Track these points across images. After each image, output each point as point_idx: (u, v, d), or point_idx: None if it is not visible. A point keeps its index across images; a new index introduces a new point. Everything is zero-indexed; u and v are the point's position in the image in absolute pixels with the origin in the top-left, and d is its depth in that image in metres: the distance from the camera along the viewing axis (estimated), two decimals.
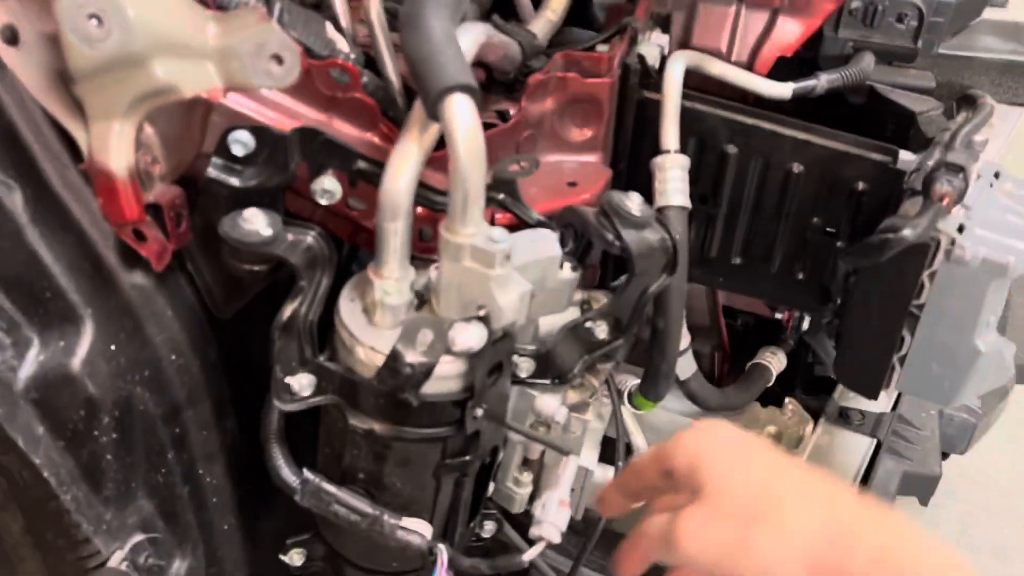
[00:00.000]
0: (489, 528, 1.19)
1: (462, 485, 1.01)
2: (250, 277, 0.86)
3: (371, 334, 0.89)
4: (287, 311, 0.86)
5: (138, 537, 0.94)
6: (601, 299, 1.05)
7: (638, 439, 1.31)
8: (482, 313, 0.88)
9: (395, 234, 0.86)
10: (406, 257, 0.89)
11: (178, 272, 0.90)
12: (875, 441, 1.36)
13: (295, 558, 1.08)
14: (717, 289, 1.40)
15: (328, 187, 0.89)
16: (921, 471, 1.37)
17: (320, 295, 0.88)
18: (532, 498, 1.27)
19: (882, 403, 1.44)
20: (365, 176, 0.91)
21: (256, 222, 0.83)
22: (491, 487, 1.14)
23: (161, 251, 0.83)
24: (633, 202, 0.94)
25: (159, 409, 0.90)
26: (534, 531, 0.93)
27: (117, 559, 0.91)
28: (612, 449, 1.27)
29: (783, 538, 0.65)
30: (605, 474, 1.19)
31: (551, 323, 1.00)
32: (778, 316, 1.48)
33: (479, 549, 1.23)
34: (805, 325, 1.44)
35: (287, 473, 0.96)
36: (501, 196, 0.97)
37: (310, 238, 0.87)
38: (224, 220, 0.82)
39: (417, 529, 0.96)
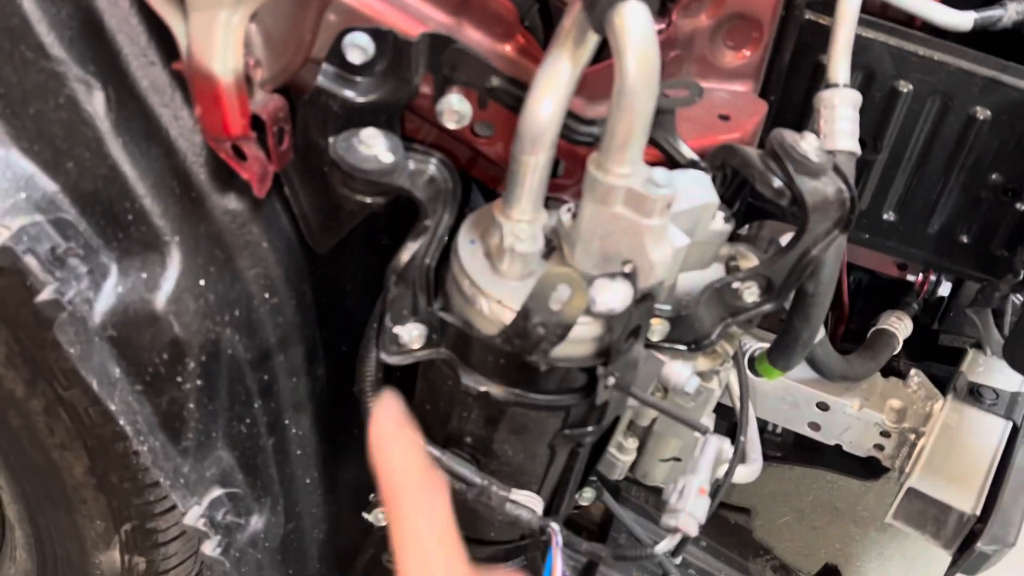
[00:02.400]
0: (588, 496, 1.08)
1: (576, 456, 0.89)
2: (357, 208, 0.73)
3: (497, 284, 0.76)
4: (406, 254, 0.73)
5: (216, 492, 0.84)
6: (748, 256, 0.91)
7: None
8: (628, 269, 0.75)
9: (534, 170, 0.72)
10: (541, 197, 0.75)
11: (275, 198, 0.78)
12: (1011, 424, 1.23)
13: (380, 516, 0.98)
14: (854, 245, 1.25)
15: (457, 107, 0.75)
16: None
17: (442, 236, 0.75)
18: (633, 465, 1.16)
19: (1017, 380, 1.30)
20: (499, 96, 0.76)
21: (375, 145, 0.70)
22: None
23: (263, 173, 0.70)
24: (809, 144, 0.79)
25: (248, 354, 0.78)
26: (669, 520, 0.81)
27: (194, 515, 0.81)
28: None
29: None
30: (721, 445, 1.07)
31: (691, 280, 0.87)
32: (910, 278, 1.33)
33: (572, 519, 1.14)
34: (943, 290, 1.29)
35: None
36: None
37: (433, 167, 0.74)
38: (336, 141, 0.69)
39: (528, 503, 0.85)
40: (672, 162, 0.83)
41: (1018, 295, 1.09)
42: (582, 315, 0.74)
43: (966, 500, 1.12)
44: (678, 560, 1.07)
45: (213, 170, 0.72)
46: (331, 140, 0.72)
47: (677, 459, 1.12)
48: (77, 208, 0.68)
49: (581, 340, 0.76)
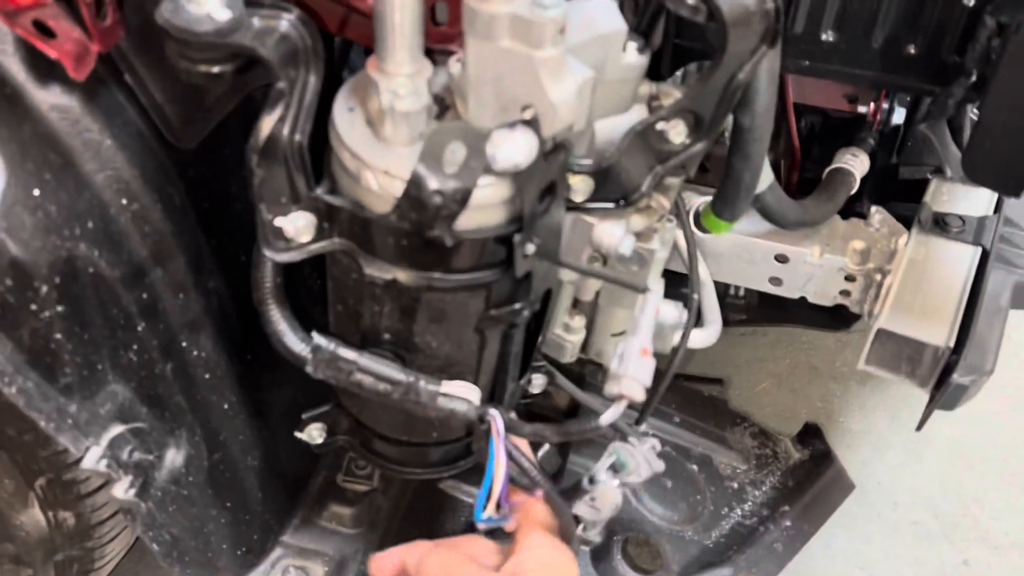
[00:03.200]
0: (539, 383, 1.01)
1: (511, 338, 0.81)
2: (212, 86, 0.63)
3: (381, 153, 0.66)
4: (265, 126, 0.63)
5: (117, 429, 0.75)
6: (673, 93, 0.81)
7: (700, 269, 1.10)
8: (528, 115, 0.65)
9: (401, 12, 0.62)
10: (418, 44, 0.65)
11: (113, 86, 0.67)
12: (980, 249, 1.16)
13: (314, 435, 0.91)
14: (786, 77, 1.16)
15: None
16: None
17: (308, 104, 0.65)
18: (584, 346, 1.09)
19: (983, 205, 1.23)
20: None
21: (207, 3, 0.59)
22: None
23: (79, 52, 0.59)
24: None
25: (116, 270, 0.69)
26: (611, 388, 0.74)
27: (93, 458, 0.73)
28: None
29: None
30: (673, 313, 1.00)
31: (611, 128, 0.77)
32: (861, 110, 1.24)
33: (528, 408, 1.07)
34: (897, 117, 1.20)
35: (292, 340, 0.76)
36: None
37: (285, 24, 0.63)
38: (163, 4, 0.58)
39: (462, 394, 0.77)
40: None
41: (974, 110, 1.01)
42: (483, 175, 0.65)
43: (938, 333, 1.06)
44: (642, 428, 1.01)
45: (26, 57, 0.61)
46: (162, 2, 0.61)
47: (622, 333, 1.04)
48: None
49: (488, 205, 0.67)
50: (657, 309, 0.80)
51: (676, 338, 1.03)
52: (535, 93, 0.64)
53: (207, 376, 0.82)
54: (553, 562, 0.75)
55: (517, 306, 0.76)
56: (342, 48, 0.92)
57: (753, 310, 1.36)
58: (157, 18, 0.58)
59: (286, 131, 0.64)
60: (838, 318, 1.28)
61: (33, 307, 0.65)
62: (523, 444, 0.79)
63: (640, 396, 0.73)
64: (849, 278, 1.17)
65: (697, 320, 1.07)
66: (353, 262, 0.72)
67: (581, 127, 0.70)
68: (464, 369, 0.81)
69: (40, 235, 0.63)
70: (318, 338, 0.76)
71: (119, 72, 0.67)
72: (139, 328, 0.73)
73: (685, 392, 1.50)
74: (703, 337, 1.06)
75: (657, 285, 1.00)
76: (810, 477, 1.40)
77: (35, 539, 0.97)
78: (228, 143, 0.79)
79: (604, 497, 0.89)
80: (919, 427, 1.10)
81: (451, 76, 0.69)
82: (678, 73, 1.12)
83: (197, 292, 0.77)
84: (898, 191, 1.31)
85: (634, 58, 0.74)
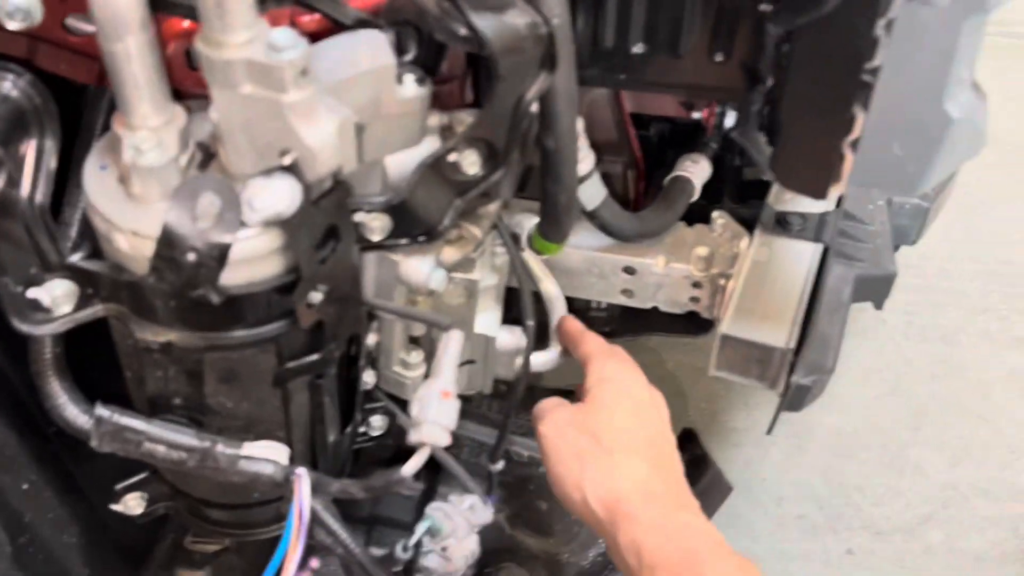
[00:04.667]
0: (379, 424, 0.97)
1: (319, 389, 0.78)
2: None
3: (131, 212, 0.62)
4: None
5: None
6: (467, 121, 0.79)
7: (549, 285, 1.08)
8: (287, 160, 0.61)
9: (130, 59, 0.57)
10: (163, 93, 0.61)
11: None
12: (821, 246, 1.17)
13: (132, 505, 0.85)
14: (620, 90, 1.15)
15: (17, 2, 0.59)
16: (875, 272, 1.19)
17: (45, 166, 0.60)
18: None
19: (824, 201, 1.24)
20: None
21: None
22: (373, 375, 0.92)
23: None
24: None
25: None
26: (413, 437, 0.71)
27: None
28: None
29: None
30: (512, 337, 0.97)
31: (403, 162, 0.74)
32: (696, 116, 1.24)
33: (378, 451, 1.03)
34: (729, 121, 1.20)
35: (73, 413, 0.71)
36: None
37: (8, 84, 0.58)
38: None
39: (267, 455, 0.73)
40: (338, 26, 0.70)
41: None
42: (243, 227, 0.61)
43: (779, 335, 1.06)
44: (499, 466, 0.98)
45: None
46: None
47: (471, 361, 1.02)
48: None
49: (257, 257, 0.64)
50: (487, 336, 0.77)
51: (518, 363, 1.01)
52: (289, 138, 0.61)
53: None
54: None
55: (315, 357, 0.73)
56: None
57: (616, 321, 1.35)
58: None
59: (22, 197, 0.59)
60: (695, 323, 1.27)
61: None
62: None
63: (445, 441, 0.70)
64: (696, 285, 1.16)
65: (546, 341, 1.05)
66: (124, 327, 0.68)
67: (353, 167, 0.67)
68: (272, 426, 0.77)
69: None
70: (100, 409, 0.71)
71: None
72: None
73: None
74: (544, 360, 1.04)
75: (492, 312, 0.97)
76: (691, 480, 1.39)
77: None
78: None
79: (455, 549, 0.87)
80: (769, 430, 1.10)
81: (213, 123, 0.65)
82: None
83: None
84: (751, 192, 1.32)
85: (412, 91, 0.71)
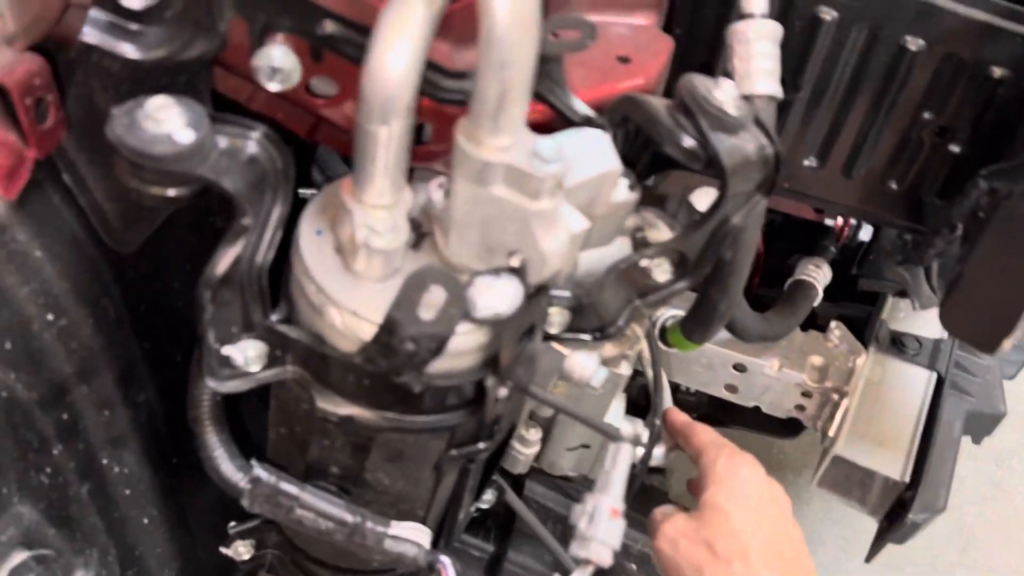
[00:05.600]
0: (488, 498, 0.95)
1: (468, 473, 0.76)
2: (157, 204, 0.56)
3: (352, 290, 0.60)
4: (223, 262, 0.57)
5: (19, 557, 0.67)
6: (658, 225, 0.77)
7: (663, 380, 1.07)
8: (515, 262, 0.60)
9: (387, 143, 0.56)
10: (402, 176, 0.59)
11: (48, 186, 0.59)
12: (935, 375, 1.15)
13: (241, 551, 0.83)
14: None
15: (280, 63, 0.57)
16: (986, 410, 1.18)
17: (273, 232, 0.58)
18: (539, 456, 1.04)
19: (939, 327, 1.23)
20: (336, 45, 0.59)
21: (167, 119, 0.52)
22: None
23: (12, 165, 0.52)
24: (726, 94, 0.65)
25: (33, 392, 0.61)
26: (579, 551, 0.69)
27: None
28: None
29: None
30: (631, 428, 0.96)
31: (593, 259, 0.73)
32: (828, 221, 1.23)
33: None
34: (864, 234, 1.19)
35: (229, 469, 0.69)
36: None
37: (253, 143, 0.56)
38: (115, 117, 0.51)
39: (412, 536, 0.71)
40: (564, 120, 0.68)
41: None
42: (463, 322, 0.59)
43: (893, 465, 1.04)
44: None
45: None
46: (113, 113, 0.53)
47: (586, 446, 1.00)
48: None
49: (463, 352, 0.62)
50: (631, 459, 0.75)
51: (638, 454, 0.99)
52: (525, 241, 0.59)
53: (128, 492, 0.74)
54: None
55: (481, 445, 0.71)
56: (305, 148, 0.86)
57: (704, 408, 1.33)
58: (108, 133, 0.51)
59: (246, 261, 0.57)
60: (788, 427, 1.26)
61: None
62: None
63: (608, 561, 0.68)
64: (806, 394, 1.15)
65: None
66: (305, 392, 0.66)
67: (568, 272, 0.65)
68: (416, 505, 0.75)
69: None
70: (258, 469, 0.68)
71: (55, 171, 0.59)
72: (55, 451, 0.65)
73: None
74: (661, 454, 1.02)
75: (619, 402, 0.96)
76: None
77: None
78: (171, 239, 0.72)
79: None
80: (868, 558, 1.08)
81: (432, 202, 0.63)
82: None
83: (124, 407, 0.69)
84: (851, 296, 1.30)
85: (624, 195, 0.69)
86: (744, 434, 1.40)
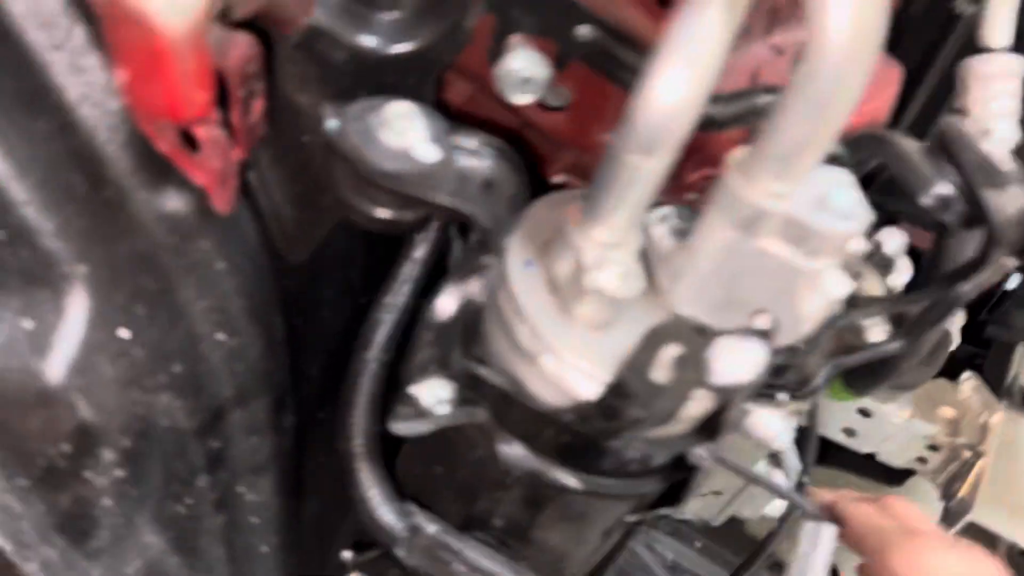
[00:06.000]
0: None
1: (632, 533, 0.68)
2: (375, 224, 0.48)
3: (569, 337, 0.52)
4: (450, 302, 0.48)
5: None
6: (869, 277, 0.69)
7: None
8: (764, 323, 0.52)
9: (645, 178, 0.48)
10: (643, 214, 0.51)
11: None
12: None
13: None
14: None
15: (529, 71, 0.48)
16: None
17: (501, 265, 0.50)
18: None
19: None
20: (591, 54, 0.50)
21: (408, 131, 0.44)
22: None
23: (226, 169, 0.43)
24: (996, 143, 0.57)
25: (192, 421, 0.53)
26: None
27: None
28: None
29: None
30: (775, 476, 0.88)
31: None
32: None
33: None
34: (1012, 283, 1.11)
35: (386, 513, 0.61)
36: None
37: (489, 163, 0.48)
38: (348, 121, 0.43)
39: None
40: None
41: None
42: (697, 387, 0.51)
43: None
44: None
45: (139, 153, 0.44)
46: (331, 119, 0.45)
47: (717, 492, 0.93)
48: None
49: (684, 419, 0.54)
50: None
51: (765, 507, 0.92)
52: (781, 302, 0.51)
53: (255, 521, 0.66)
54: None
55: (663, 511, 0.63)
56: None
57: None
58: (337, 140, 0.43)
59: (474, 303, 0.49)
60: (896, 475, 1.18)
61: (87, 474, 0.48)
62: None
63: None
64: (932, 447, 1.07)
65: None
66: (484, 439, 0.58)
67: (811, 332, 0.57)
68: (573, 564, 0.67)
69: (119, 391, 0.46)
70: (420, 518, 0.61)
71: (241, 169, 0.51)
72: (200, 483, 0.57)
73: None
74: (781, 506, 0.95)
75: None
76: None
77: None
78: (327, 243, 0.63)
79: None
80: None
81: (652, 240, 0.55)
82: None
83: (273, 432, 0.61)
84: (973, 341, 1.23)
85: (858, 245, 0.61)
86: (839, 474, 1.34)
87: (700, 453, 0.56)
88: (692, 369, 0.50)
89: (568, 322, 0.52)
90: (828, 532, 0.65)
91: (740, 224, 0.48)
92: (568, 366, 0.51)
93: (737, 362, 0.51)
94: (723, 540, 1.34)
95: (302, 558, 0.80)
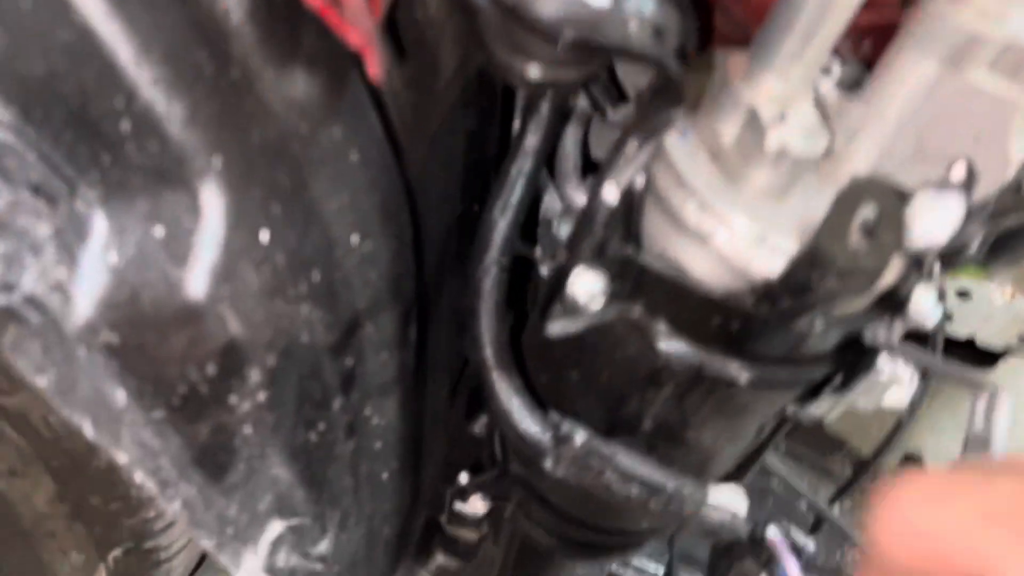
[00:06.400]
0: None
1: (780, 430, 0.63)
2: (530, 87, 0.42)
3: (743, 207, 0.46)
4: (620, 182, 0.43)
5: (276, 528, 0.55)
6: None
7: None
8: (961, 172, 0.46)
9: (838, 9, 0.41)
10: (825, 57, 0.45)
11: (357, 70, 0.45)
12: None
13: (478, 506, 0.72)
14: None
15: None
16: None
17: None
18: None
19: None
20: None
21: None
22: None
23: (370, 30, 0.37)
24: None
25: (331, 335, 0.48)
26: None
27: (250, 570, 0.53)
28: None
29: None
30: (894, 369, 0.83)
31: None
32: None
33: None
34: None
35: (530, 425, 0.56)
36: None
37: (657, 7, 0.42)
38: None
39: (730, 506, 0.59)
40: None
41: None
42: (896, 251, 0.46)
43: None
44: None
45: (264, 26, 0.38)
46: None
47: None
48: (17, 113, 0.34)
49: (875, 290, 0.49)
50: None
51: (885, 397, 0.87)
52: (988, 146, 0.45)
53: (378, 446, 0.62)
54: None
55: (825, 403, 0.58)
56: None
57: None
58: None
59: (644, 178, 0.43)
60: (986, 356, 1.14)
61: (232, 399, 0.43)
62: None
63: None
64: None
65: None
66: (638, 335, 0.53)
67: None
68: (722, 464, 0.63)
69: (265, 301, 0.41)
70: (569, 426, 0.56)
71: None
72: (333, 405, 0.52)
73: None
74: (899, 396, 0.90)
75: None
76: None
77: None
78: (435, 138, 0.57)
79: None
80: None
81: (819, 94, 0.49)
82: None
83: (400, 348, 0.56)
84: None
85: None
86: None
87: (879, 332, 0.51)
88: (892, 230, 0.45)
89: (740, 191, 0.47)
90: (1004, 403, 0.60)
91: (946, 57, 0.42)
92: (746, 240, 0.46)
93: (936, 220, 0.46)
94: (800, 438, 1.31)
95: (418, 484, 0.76)
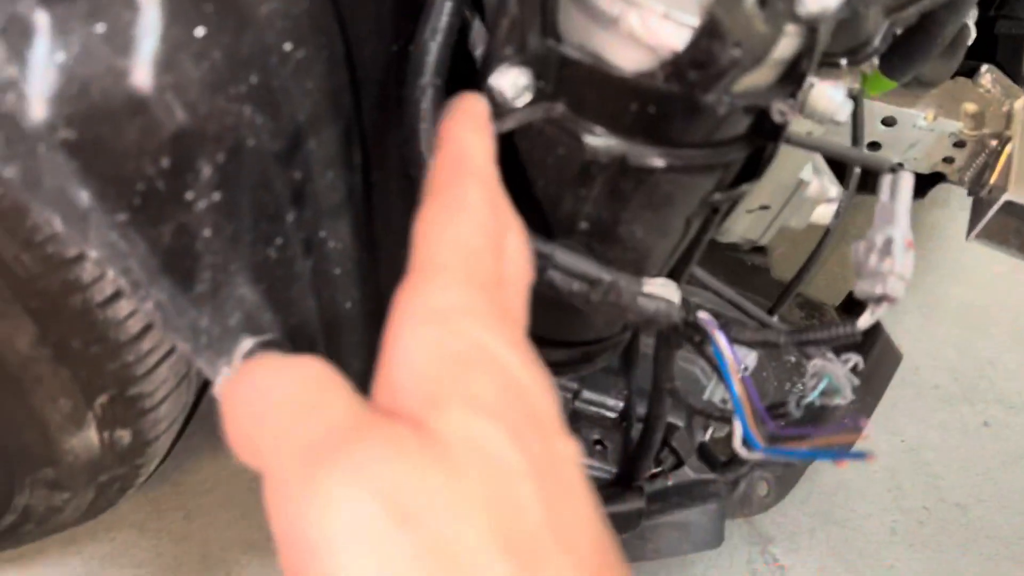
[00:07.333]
0: None
1: (710, 224, 0.68)
2: None
3: None
4: None
5: (247, 343, 0.59)
6: None
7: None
8: None
9: None
10: None
11: None
12: None
13: None
14: None
15: None
16: None
17: None
18: None
19: None
20: None
21: None
22: None
23: None
24: None
25: (276, 143, 0.51)
26: (872, 287, 0.62)
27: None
28: None
29: None
30: (820, 186, 0.89)
31: None
32: None
33: None
34: None
35: None
36: None
37: None
38: None
39: (663, 294, 0.64)
40: None
41: None
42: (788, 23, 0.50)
43: None
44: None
45: None
46: None
47: (765, 207, 0.93)
48: None
49: (772, 62, 0.53)
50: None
51: (814, 213, 0.93)
52: None
53: (338, 272, 0.66)
54: None
55: (744, 187, 0.63)
56: None
57: None
58: None
59: None
60: (918, 185, 1.20)
61: (188, 196, 0.47)
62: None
63: (903, 295, 0.63)
64: (958, 144, 1.08)
65: None
66: (565, 134, 0.57)
67: None
68: (656, 261, 0.68)
69: (207, 94, 0.44)
70: None
71: None
72: (287, 218, 0.56)
73: (729, 262, 1.41)
74: (828, 211, 0.96)
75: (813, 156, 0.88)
76: (862, 349, 1.36)
77: (83, 461, 0.81)
78: None
79: None
80: None
81: None
82: None
83: (345, 168, 0.60)
84: (985, 49, 1.22)
85: None
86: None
87: (782, 107, 0.56)
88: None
89: None
90: (907, 179, 0.66)
91: None
92: (654, 17, 0.49)
93: None
94: (746, 283, 1.38)
95: (380, 320, 0.81)
